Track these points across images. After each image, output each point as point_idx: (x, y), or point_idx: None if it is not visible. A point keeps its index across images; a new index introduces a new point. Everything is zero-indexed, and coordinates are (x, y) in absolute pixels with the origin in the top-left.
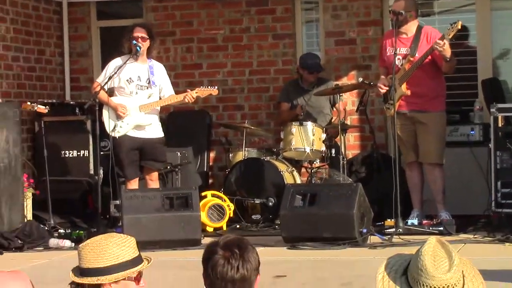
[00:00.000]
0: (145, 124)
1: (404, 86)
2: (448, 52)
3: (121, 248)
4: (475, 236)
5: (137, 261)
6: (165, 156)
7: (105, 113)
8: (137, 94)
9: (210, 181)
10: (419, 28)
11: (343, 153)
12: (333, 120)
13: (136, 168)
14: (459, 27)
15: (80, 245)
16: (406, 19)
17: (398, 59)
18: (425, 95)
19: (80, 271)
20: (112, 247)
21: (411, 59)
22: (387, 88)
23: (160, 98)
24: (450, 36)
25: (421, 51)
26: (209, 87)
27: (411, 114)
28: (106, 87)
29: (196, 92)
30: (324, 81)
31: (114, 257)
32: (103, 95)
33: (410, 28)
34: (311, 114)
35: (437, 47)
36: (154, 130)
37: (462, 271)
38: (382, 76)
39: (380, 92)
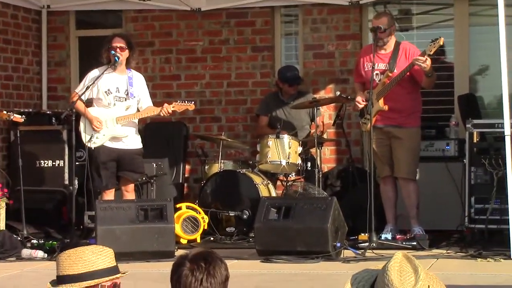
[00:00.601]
0: (121, 136)
1: (381, 101)
2: (429, 67)
3: (97, 256)
4: (448, 251)
5: (112, 271)
6: (143, 168)
7: (82, 124)
8: (115, 106)
9: (185, 192)
10: (397, 44)
11: (318, 166)
12: (310, 133)
13: (112, 179)
14: (441, 43)
15: (59, 254)
16: (386, 35)
17: (376, 74)
18: (402, 110)
19: (57, 279)
20: (87, 255)
21: (390, 74)
22: (365, 104)
23: (138, 110)
24: (432, 52)
25: (399, 67)
26: (186, 102)
27: (387, 129)
28: (84, 98)
29: (173, 107)
30: (303, 93)
31: (89, 265)
32: (80, 106)
33: (389, 43)
34: (291, 126)
35: (419, 63)
36: (132, 141)
37: (429, 286)
38: (360, 91)
39: (357, 107)
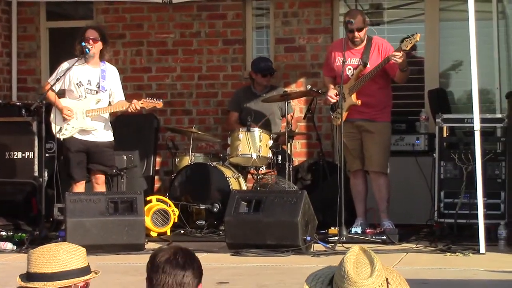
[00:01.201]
0: (90, 129)
1: (354, 96)
2: (404, 62)
3: (71, 256)
4: (418, 245)
5: (85, 271)
6: (113, 161)
7: (53, 114)
8: (86, 98)
9: (156, 185)
10: (369, 39)
11: (289, 160)
12: (281, 129)
13: (83, 171)
14: (418, 39)
15: (31, 250)
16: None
17: (349, 69)
18: (374, 105)
19: (27, 275)
20: (62, 254)
21: (363, 69)
22: (337, 98)
23: (110, 103)
24: (408, 48)
25: (372, 62)
26: (154, 99)
27: (358, 123)
28: (56, 89)
29: (141, 104)
30: (275, 87)
31: (63, 264)
32: (51, 96)
33: None
34: (262, 118)
35: (396, 59)
36: (102, 134)
37: (387, 278)
38: (331, 86)
39: (330, 101)
